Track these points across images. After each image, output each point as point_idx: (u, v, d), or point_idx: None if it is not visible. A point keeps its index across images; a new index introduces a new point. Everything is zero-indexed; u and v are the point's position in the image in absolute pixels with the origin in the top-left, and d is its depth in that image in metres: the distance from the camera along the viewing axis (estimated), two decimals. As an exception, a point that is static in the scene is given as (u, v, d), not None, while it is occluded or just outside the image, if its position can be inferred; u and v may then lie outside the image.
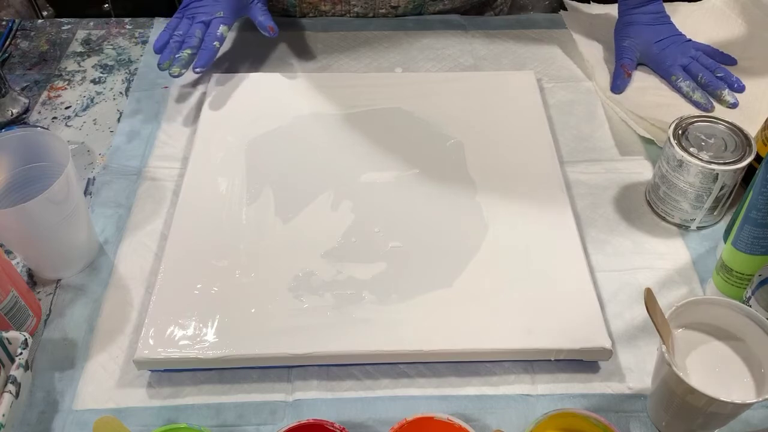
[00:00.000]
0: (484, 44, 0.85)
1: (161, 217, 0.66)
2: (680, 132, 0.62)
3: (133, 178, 0.69)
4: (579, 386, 0.54)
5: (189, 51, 0.73)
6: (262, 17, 0.76)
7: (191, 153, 0.68)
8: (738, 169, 0.59)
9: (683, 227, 0.65)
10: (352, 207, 0.64)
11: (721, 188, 0.61)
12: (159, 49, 0.75)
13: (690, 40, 0.80)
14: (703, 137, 0.62)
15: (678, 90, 0.77)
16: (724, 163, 0.59)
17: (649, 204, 0.67)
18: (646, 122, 0.73)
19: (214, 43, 0.74)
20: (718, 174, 0.59)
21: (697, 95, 0.75)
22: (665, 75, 0.79)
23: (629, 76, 0.78)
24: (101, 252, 0.63)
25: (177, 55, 0.73)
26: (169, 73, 0.72)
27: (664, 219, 0.65)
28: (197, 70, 0.73)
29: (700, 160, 0.60)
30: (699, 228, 0.65)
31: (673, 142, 0.61)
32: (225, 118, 0.72)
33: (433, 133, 0.71)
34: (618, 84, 0.78)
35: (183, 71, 0.72)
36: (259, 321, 0.55)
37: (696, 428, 0.50)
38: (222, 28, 0.75)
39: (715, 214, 0.64)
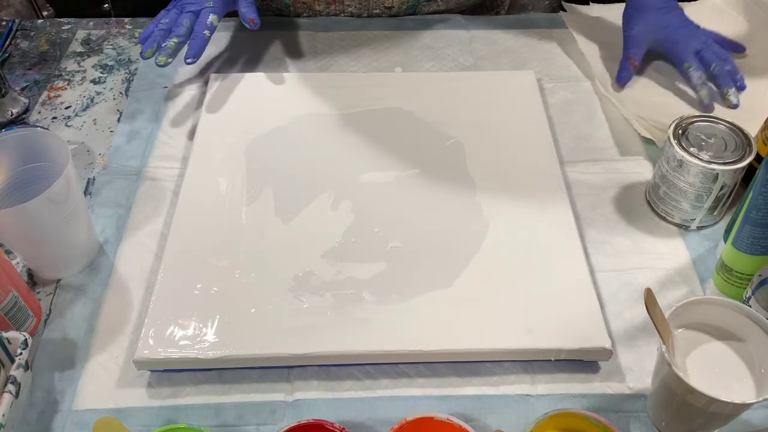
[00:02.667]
0: (484, 44, 0.84)
1: (161, 217, 0.66)
2: (680, 132, 0.62)
3: (133, 178, 0.69)
4: (579, 386, 0.54)
5: (176, 39, 0.71)
6: (245, 9, 0.74)
7: (191, 153, 0.68)
8: (738, 169, 0.59)
9: (683, 227, 0.65)
10: (352, 207, 0.64)
11: (721, 188, 0.61)
12: (143, 40, 0.72)
13: (699, 26, 0.78)
14: (703, 137, 0.62)
15: (687, 79, 0.75)
16: (724, 163, 0.59)
17: (649, 204, 0.67)
18: (647, 122, 0.73)
19: (204, 31, 0.72)
20: (718, 174, 0.59)
21: (704, 92, 0.74)
22: (677, 61, 0.76)
23: (635, 67, 0.77)
24: (101, 252, 0.63)
25: (164, 44, 0.71)
26: (156, 62, 0.70)
27: (664, 219, 0.65)
28: (188, 60, 0.71)
29: (700, 160, 0.60)
30: (699, 228, 0.65)
31: (673, 142, 0.61)
32: (225, 118, 0.72)
33: (433, 133, 0.71)
34: (622, 75, 0.77)
35: (170, 60, 0.70)
36: (259, 321, 0.55)
37: (696, 428, 0.50)
38: (212, 17, 0.73)
39: (715, 214, 0.64)
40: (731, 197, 0.63)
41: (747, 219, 0.53)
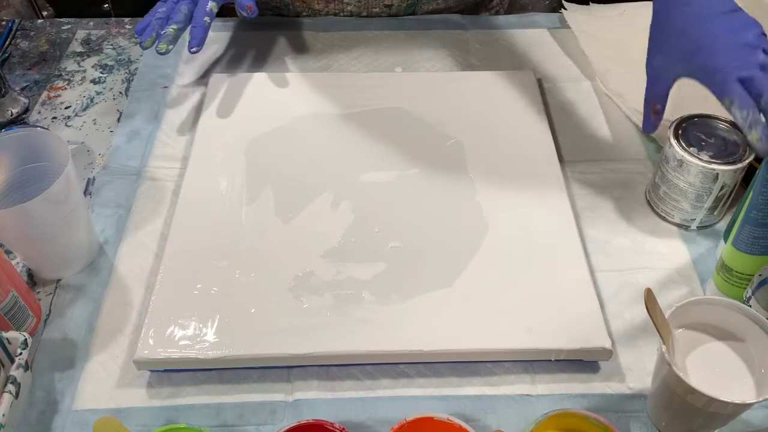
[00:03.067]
0: (484, 44, 0.84)
1: (161, 217, 0.66)
2: (680, 132, 0.62)
3: (133, 178, 0.69)
4: (579, 386, 0.55)
5: (175, 26, 0.70)
6: None
7: (191, 153, 0.68)
8: (738, 168, 0.59)
9: (683, 227, 0.65)
10: (352, 207, 0.64)
11: (722, 188, 0.61)
12: (140, 31, 0.71)
13: (764, 35, 0.56)
14: (703, 137, 0.62)
15: (733, 116, 0.55)
16: (725, 163, 0.59)
17: (649, 204, 0.67)
18: None
19: (204, 18, 0.70)
20: (718, 174, 0.59)
21: (754, 134, 0.53)
22: (717, 94, 0.55)
23: (657, 114, 0.62)
24: (101, 252, 0.63)
25: (162, 32, 0.69)
26: (156, 50, 0.69)
27: (664, 219, 0.65)
28: (193, 50, 0.70)
29: (700, 160, 0.60)
30: (699, 228, 0.65)
31: (673, 142, 0.61)
32: (225, 118, 0.72)
33: (433, 133, 0.71)
34: (645, 127, 0.63)
35: (170, 47, 0.69)
36: (259, 321, 0.55)
37: (696, 428, 0.50)
38: (211, 4, 0.71)
39: (715, 213, 0.64)
40: (731, 197, 0.63)
41: (747, 219, 0.53)
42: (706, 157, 0.60)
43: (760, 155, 0.55)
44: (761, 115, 0.53)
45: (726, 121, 0.62)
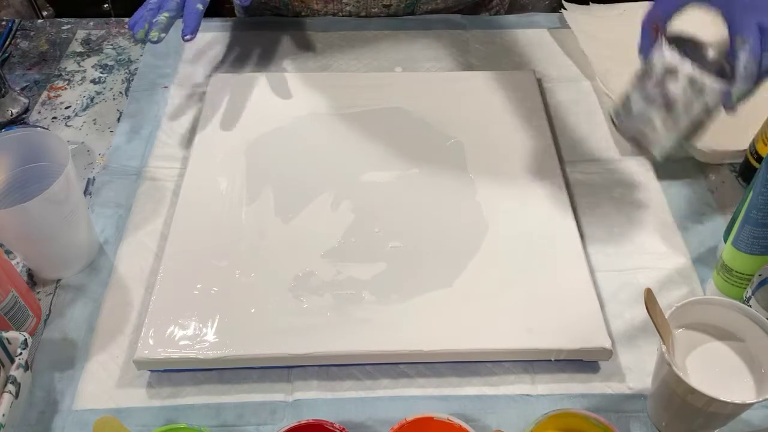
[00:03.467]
0: (484, 44, 0.84)
1: (161, 217, 0.66)
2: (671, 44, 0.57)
3: (133, 178, 0.69)
4: (579, 386, 0.55)
5: (167, 14, 0.68)
6: None
7: (191, 153, 0.68)
8: (726, 90, 0.55)
9: (652, 155, 0.61)
10: (352, 207, 0.64)
11: (705, 108, 0.56)
12: (133, 24, 0.69)
13: None
14: (690, 53, 0.56)
15: (735, 58, 0.54)
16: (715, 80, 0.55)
17: (615, 125, 0.62)
18: None
19: (197, 5, 0.68)
20: (706, 89, 0.55)
21: (738, 92, 0.54)
22: (731, 29, 0.54)
23: (657, 34, 0.59)
24: (101, 252, 0.63)
25: (154, 20, 0.68)
26: (149, 39, 0.67)
27: (633, 142, 0.62)
28: (186, 37, 0.68)
29: (694, 67, 0.55)
30: (667, 160, 0.61)
31: (665, 47, 0.56)
32: (225, 118, 0.72)
33: (433, 133, 0.71)
34: (642, 47, 0.60)
35: (163, 35, 0.67)
36: (259, 321, 0.55)
37: (696, 428, 0.50)
38: None
39: (687, 141, 0.60)
40: (703, 126, 0.59)
41: (747, 219, 0.53)
42: (697, 69, 0.55)
43: (725, 108, 0.55)
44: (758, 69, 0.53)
45: (712, 44, 0.58)
